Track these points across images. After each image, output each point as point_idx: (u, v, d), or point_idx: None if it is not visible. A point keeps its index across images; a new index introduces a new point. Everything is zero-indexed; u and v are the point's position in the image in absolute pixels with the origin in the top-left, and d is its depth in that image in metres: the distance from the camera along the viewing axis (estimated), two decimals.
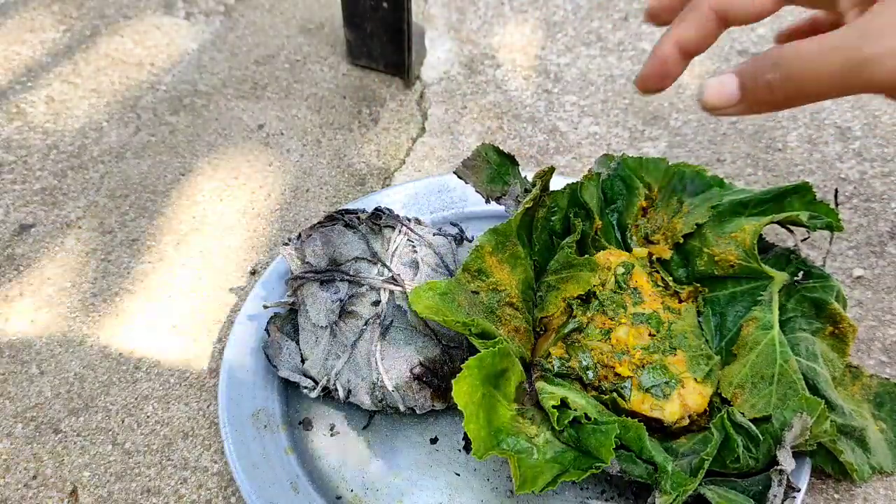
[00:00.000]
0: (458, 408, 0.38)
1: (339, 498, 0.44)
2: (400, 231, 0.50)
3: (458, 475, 0.45)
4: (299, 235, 0.50)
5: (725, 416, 0.40)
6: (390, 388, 0.44)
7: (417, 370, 0.45)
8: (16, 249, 0.61)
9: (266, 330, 0.48)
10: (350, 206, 0.55)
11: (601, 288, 0.46)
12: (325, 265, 0.48)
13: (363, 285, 0.47)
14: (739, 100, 0.38)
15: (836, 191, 0.49)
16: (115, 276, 0.59)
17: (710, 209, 0.48)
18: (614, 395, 0.42)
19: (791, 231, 0.48)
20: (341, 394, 0.45)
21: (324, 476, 0.45)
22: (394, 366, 0.45)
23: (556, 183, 0.51)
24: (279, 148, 0.70)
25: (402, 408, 0.45)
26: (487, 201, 0.54)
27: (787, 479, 0.37)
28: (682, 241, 0.48)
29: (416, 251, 0.49)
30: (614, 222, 0.52)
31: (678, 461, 0.39)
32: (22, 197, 0.65)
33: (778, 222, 0.46)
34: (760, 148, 0.68)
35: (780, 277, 0.45)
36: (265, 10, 0.88)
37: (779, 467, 0.38)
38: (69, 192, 0.66)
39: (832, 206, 0.46)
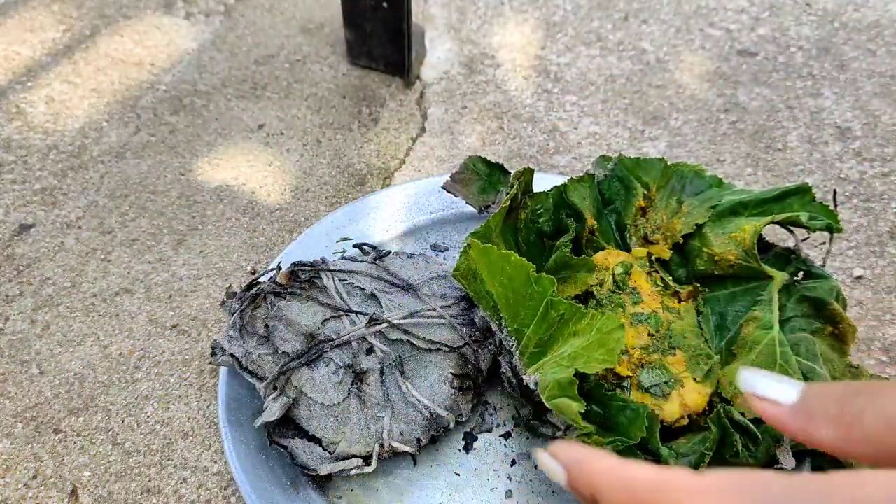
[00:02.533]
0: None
1: (339, 498, 0.44)
2: (327, 276, 0.48)
3: (458, 475, 0.45)
4: (241, 333, 0.46)
5: (722, 411, 0.40)
6: (444, 413, 0.44)
7: (456, 383, 0.44)
8: (16, 249, 0.61)
9: (279, 445, 0.43)
10: (236, 289, 0.50)
11: (599, 288, 0.46)
12: (301, 346, 0.44)
13: (352, 342, 0.45)
14: None
15: (835, 192, 0.49)
16: (115, 276, 0.59)
17: (710, 209, 0.48)
18: (616, 392, 0.42)
19: (791, 231, 0.48)
20: (403, 447, 0.43)
21: (324, 476, 0.45)
22: (435, 391, 0.44)
23: (557, 183, 0.51)
24: (279, 148, 0.70)
25: (452, 424, 0.44)
26: (480, 212, 0.54)
27: None
28: (681, 241, 0.48)
29: (357, 285, 0.47)
30: (612, 222, 0.52)
31: (678, 460, 0.39)
32: (22, 197, 0.65)
33: (778, 222, 0.46)
34: (760, 148, 0.68)
35: (780, 277, 0.45)
36: (265, 10, 0.88)
37: (778, 466, 0.38)
38: (69, 192, 0.66)
39: (831, 207, 0.46)
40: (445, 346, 0.45)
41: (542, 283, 0.39)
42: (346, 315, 0.46)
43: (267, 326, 0.45)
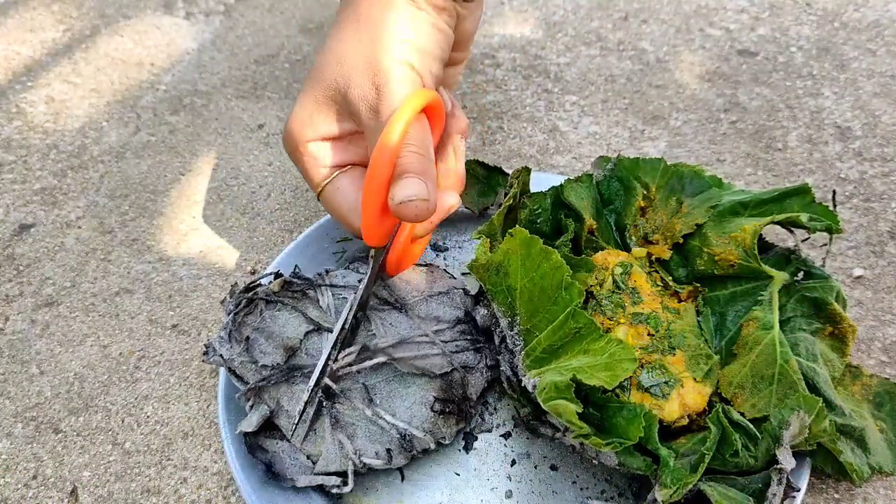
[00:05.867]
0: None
1: (339, 498, 0.44)
2: (321, 292, 0.47)
3: (458, 475, 0.45)
4: (230, 337, 0.45)
5: (721, 411, 0.40)
6: (421, 435, 0.43)
7: (437, 406, 0.44)
8: (16, 249, 0.61)
9: (258, 452, 0.43)
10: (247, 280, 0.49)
11: (599, 288, 0.46)
12: (281, 359, 0.44)
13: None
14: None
15: (834, 192, 0.49)
16: (115, 276, 0.59)
17: (710, 209, 0.48)
18: (613, 394, 0.42)
19: (791, 231, 0.48)
20: (378, 464, 0.42)
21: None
22: (413, 413, 0.43)
23: (557, 183, 0.52)
24: (279, 148, 0.70)
25: (432, 446, 0.43)
26: (480, 215, 0.54)
27: (787, 478, 0.37)
28: (681, 241, 0.48)
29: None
30: (612, 223, 0.52)
31: (679, 460, 0.39)
32: (22, 197, 0.65)
33: (778, 223, 0.46)
34: (760, 148, 0.68)
35: (780, 277, 0.45)
36: (265, 9, 0.88)
37: (778, 466, 0.38)
38: (69, 192, 0.66)
39: (830, 207, 0.46)
40: (431, 372, 0.44)
41: (572, 290, 0.39)
42: (327, 332, 0.45)
43: (247, 338, 0.45)
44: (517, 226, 0.49)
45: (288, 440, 0.43)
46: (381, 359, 0.44)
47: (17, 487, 0.46)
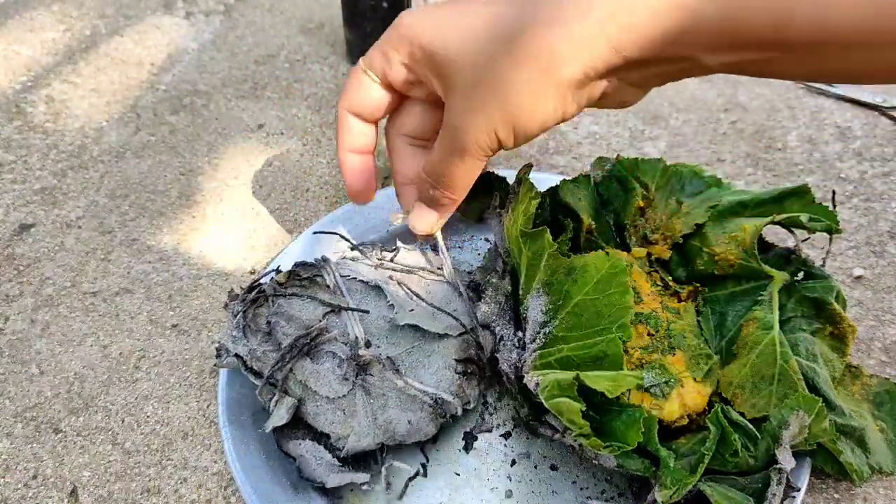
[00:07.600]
0: None
1: (339, 498, 0.44)
2: (329, 273, 0.48)
3: (458, 475, 0.45)
4: (244, 333, 0.45)
5: (720, 411, 0.40)
6: (450, 399, 0.43)
7: (460, 368, 0.44)
8: (16, 249, 0.61)
9: (287, 455, 0.43)
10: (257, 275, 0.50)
11: None
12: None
13: (351, 337, 0.45)
14: (441, 217, 0.45)
15: (834, 193, 0.49)
16: (115, 276, 0.59)
17: (709, 209, 0.48)
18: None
19: (791, 231, 0.48)
20: (408, 436, 0.43)
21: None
22: (440, 378, 0.44)
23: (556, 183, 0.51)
24: (279, 148, 0.70)
25: (459, 411, 0.44)
26: (480, 220, 0.54)
27: (787, 478, 0.38)
28: (681, 241, 0.48)
29: (360, 279, 0.48)
30: (611, 223, 0.52)
31: (678, 461, 0.39)
32: (22, 197, 0.65)
33: (778, 223, 0.46)
34: (760, 148, 0.68)
35: (780, 277, 0.45)
36: (265, 9, 0.88)
37: (778, 466, 0.38)
38: (69, 192, 0.66)
39: (830, 207, 0.46)
40: (452, 328, 0.45)
41: (624, 329, 0.39)
42: (341, 310, 0.46)
43: (269, 322, 0.46)
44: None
45: (311, 437, 0.43)
46: (411, 311, 0.45)
47: (17, 487, 0.46)
